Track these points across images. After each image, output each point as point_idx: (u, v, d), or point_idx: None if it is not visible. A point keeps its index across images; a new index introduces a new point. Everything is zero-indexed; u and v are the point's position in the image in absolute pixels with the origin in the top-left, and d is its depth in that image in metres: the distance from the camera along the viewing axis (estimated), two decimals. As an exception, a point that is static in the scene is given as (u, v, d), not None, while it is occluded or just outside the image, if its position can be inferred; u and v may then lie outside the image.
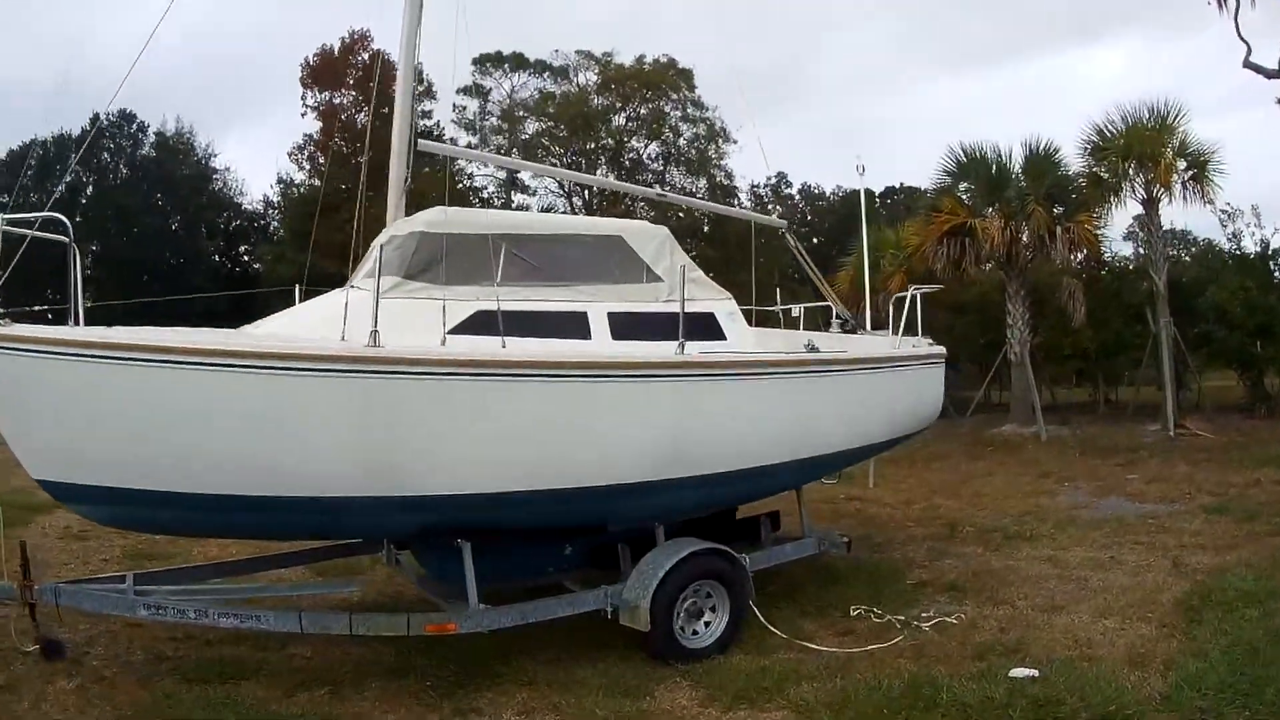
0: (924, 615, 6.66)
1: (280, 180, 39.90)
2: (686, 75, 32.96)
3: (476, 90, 35.89)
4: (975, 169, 18.65)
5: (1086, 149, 18.02)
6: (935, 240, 17.79)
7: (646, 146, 34.23)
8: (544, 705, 5.33)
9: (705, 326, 6.92)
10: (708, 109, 33.42)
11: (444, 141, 37.99)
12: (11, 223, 4.80)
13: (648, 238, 7.12)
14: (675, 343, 6.32)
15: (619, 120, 33.60)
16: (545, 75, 34.61)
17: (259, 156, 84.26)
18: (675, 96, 33.07)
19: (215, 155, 43.46)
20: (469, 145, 35.92)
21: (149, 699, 5.36)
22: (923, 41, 78.44)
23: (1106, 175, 17.76)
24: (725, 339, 6.98)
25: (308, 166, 38.48)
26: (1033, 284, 18.95)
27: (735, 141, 33.87)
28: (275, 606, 6.05)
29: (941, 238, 17.73)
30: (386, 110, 35.43)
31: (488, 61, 35.56)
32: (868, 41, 75.83)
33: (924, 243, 18.03)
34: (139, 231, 37.69)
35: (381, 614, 5.98)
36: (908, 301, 8.35)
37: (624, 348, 6.31)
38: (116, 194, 38.29)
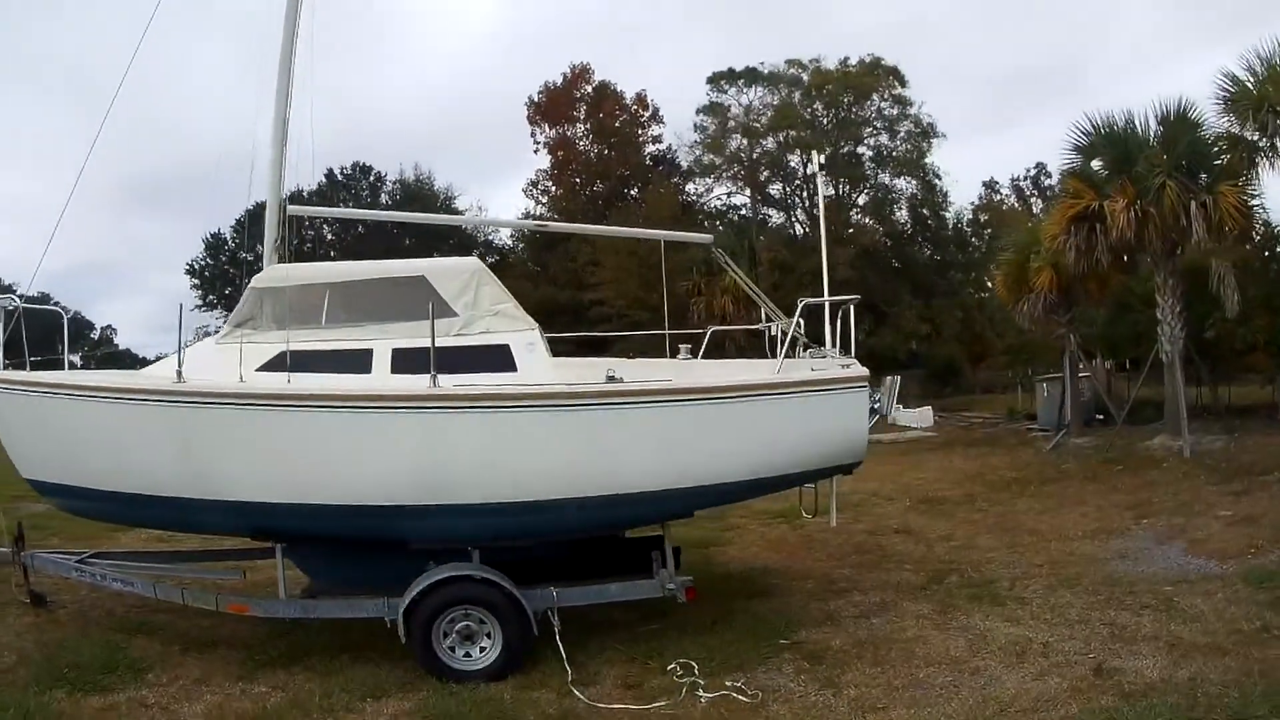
0: (731, 684, 6.03)
1: (520, 215, 43.06)
2: (894, 72, 31.00)
3: (713, 109, 36.55)
4: (1104, 141, 15.47)
5: (1223, 104, 14.31)
6: (1063, 229, 15.18)
7: (853, 149, 32.65)
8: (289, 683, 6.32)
9: (498, 358, 7.02)
10: (913, 104, 31.33)
11: (672, 158, 39.77)
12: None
13: (451, 275, 7.37)
14: (475, 375, 6.62)
15: (827, 123, 32.44)
16: (780, 87, 34.21)
17: (508, 194, 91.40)
18: (881, 96, 31.25)
19: (457, 196, 46.48)
20: (712, 163, 36.84)
21: (69, 635, 7.32)
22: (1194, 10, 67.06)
23: (1248, 133, 14.05)
24: (515, 370, 6.98)
25: (545, 200, 41.55)
26: (1183, 271, 15.57)
27: (943, 136, 31.48)
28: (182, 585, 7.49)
29: (1069, 225, 15.07)
30: (614, 139, 37.57)
31: (722, 79, 36.02)
32: (1143, 14, 67.15)
33: (1057, 233, 15.49)
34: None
35: (203, 591, 7.24)
36: (789, 317, 7.49)
37: (396, 381, 6.73)
38: (361, 243, 41.29)
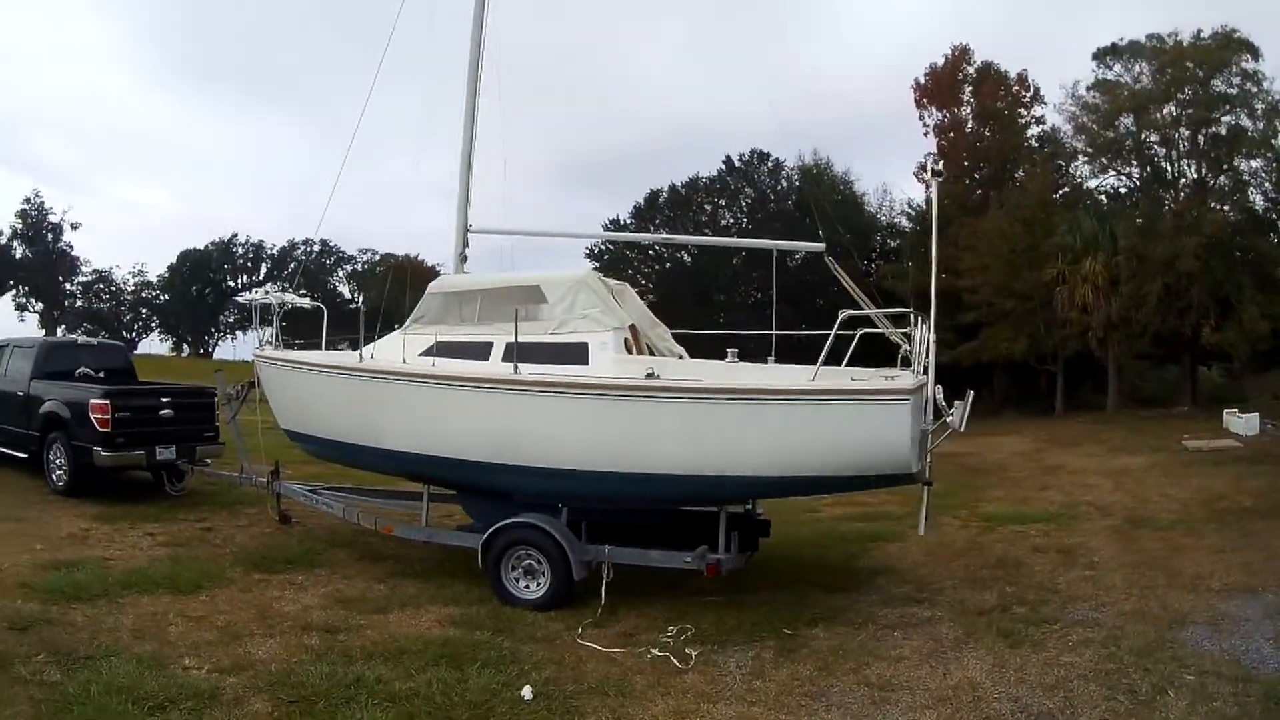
0: (689, 651, 6.81)
1: (908, 202, 42.59)
2: (1246, 45, 25.57)
3: (1100, 85, 33.28)
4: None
5: None
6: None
7: (1199, 133, 27.44)
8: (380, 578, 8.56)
9: (576, 353, 8.47)
10: (1267, 79, 25.33)
11: (1058, 139, 36.66)
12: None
13: (559, 285, 8.92)
14: (556, 366, 8.24)
15: (1172, 107, 27.70)
16: (1146, 63, 30.32)
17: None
18: (1231, 71, 25.95)
19: (855, 180, 47.23)
20: (1081, 145, 34.29)
21: (285, 541, 10.30)
22: None
23: None
24: (587, 364, 8.35)
25: (935, 185, 40.91)
26: None
27: None
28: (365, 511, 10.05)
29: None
30: (996, 121, 36.28)
31: (1107, 55, 32.81)
32: None
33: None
34: (805, 258, 44.24)
35: (366, 515, 9.76)
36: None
37: (498, 367, 8.53)
38: (759, 228, 43.90)
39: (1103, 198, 34.79)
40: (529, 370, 8.17)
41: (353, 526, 10.11)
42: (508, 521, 8.26)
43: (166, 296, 78.78)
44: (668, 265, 49.42)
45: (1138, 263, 27.19)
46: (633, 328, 9.05)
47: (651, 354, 9.30)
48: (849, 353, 7.71)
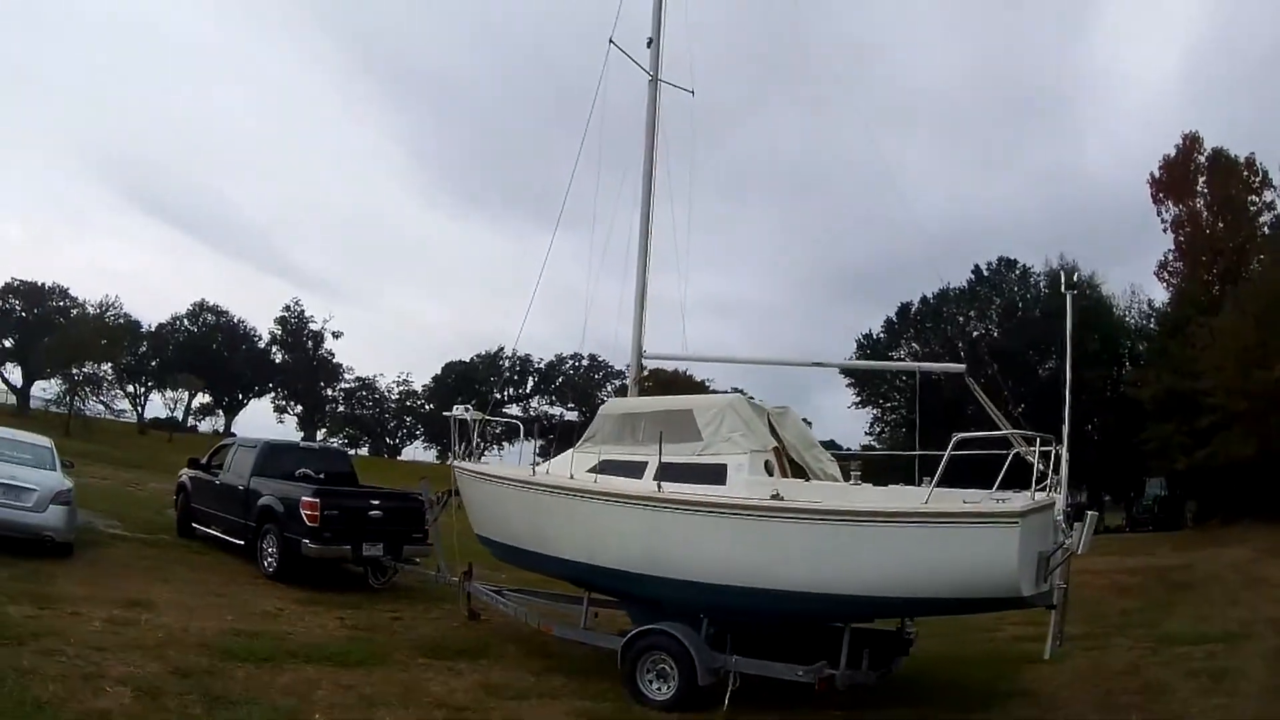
0: None
1: (1149, 303, 41.52)
2: None
3: None
4: None
5: None
6: None
7: None
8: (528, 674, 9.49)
9: (715, 474, 9.21)
10: None
11: None
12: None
13: (708, 408, 9.81)
14: (698, 485, 8.99)
15: None
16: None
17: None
18: None
19: (1100, 284, 45.87)
20: None
21: (464, 634, 11.45)
22: None
23: None
24: (724, 485, 9.00)
25: (1174, 283, 39.43)
26: None
27: None
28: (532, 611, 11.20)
29: None
30: (1229, 211, 34.68)
31: None
32: None
33: None
34: (1054, 367, 42.51)
35: (534, 615, 10.81)
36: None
37: (647, 485, 9.40)
38: (1008, 337, 43.99)
39: None
40: (671, 489, 9.05)
41: (524, 625, 11.14)
42: (644, 628, 9.04)
43: (431, 406, 77.71)
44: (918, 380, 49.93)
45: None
46: (776, 450, 9.67)
47: (803, 475, 9.79)
48: (1001, 474, 7.63)
